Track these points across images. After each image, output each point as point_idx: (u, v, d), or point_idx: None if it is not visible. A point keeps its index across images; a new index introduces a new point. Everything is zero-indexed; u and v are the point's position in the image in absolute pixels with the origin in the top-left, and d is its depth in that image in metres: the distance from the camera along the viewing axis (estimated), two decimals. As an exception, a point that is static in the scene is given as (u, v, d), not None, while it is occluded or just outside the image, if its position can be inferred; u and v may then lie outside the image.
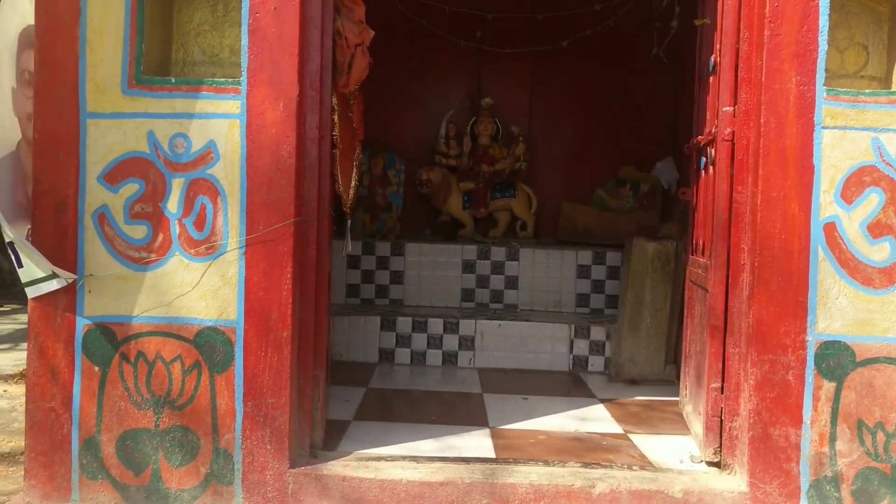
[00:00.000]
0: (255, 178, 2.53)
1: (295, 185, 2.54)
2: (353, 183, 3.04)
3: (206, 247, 2.54)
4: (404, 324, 4.41)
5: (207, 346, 2.53)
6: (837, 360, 2.51)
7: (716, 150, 2.79)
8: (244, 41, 2.53)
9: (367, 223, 5.34)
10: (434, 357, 4.39)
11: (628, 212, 5.44)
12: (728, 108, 2.71)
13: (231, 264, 2.54)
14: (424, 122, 5.61)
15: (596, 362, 4.39)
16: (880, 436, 2.51)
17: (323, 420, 2.78)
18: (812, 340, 2.51)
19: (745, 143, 2.63)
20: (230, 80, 2.55)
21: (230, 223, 2.54)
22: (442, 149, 5.32)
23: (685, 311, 3.47)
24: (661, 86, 5.54)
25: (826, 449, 2.52)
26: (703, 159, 3.10)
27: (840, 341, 2.52)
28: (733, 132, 2.69)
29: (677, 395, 3.85)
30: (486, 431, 3.13)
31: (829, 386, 2.52)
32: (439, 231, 5.34)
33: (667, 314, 4.23)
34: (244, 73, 2.53)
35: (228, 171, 2.54)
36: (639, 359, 4.22)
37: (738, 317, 2.63)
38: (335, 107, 2.81)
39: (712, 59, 2.97)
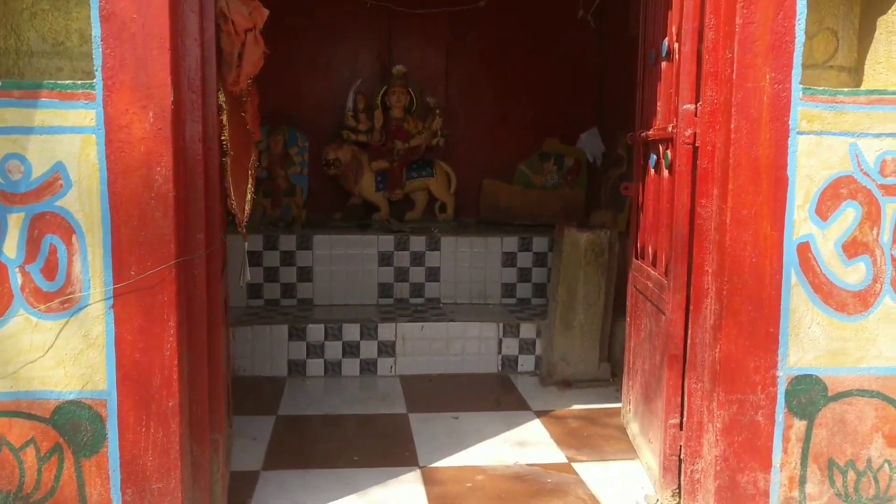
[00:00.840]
0: (120, 209, 1.98)
1: (175, 216, 2.00)
2: (248, 196, 2.51)
3: (60, 300, 1.98)
4: (316, 332, 3.94)
5: (70, 424, 2.00)
6: (809, 395, 2.26)
7: (674, 153, 2.44)
8: (95, 31, 1.93)
9: (267, 209, 4.77)
10: (351, 366, 3.96)
11: (553, 188, 5.10)
12: (689, 105, 2.34)
13: (96, 321, 1.99)
14: (330, 93, 5.03)
15: (526, 362, 4.08)
16: (851, 475, 2.30)
17: (224, 491, 2.32)
18: (783, 376, 2.25)
19: (709, 150, 2.29)
20: (81, 82, 1.96)
21: (91, 269, 1.98)
22: (350, 123, 4.78)
23: (628, 319, 3.17)
24: (586, 50, 5.17)
25: (796, 493, 2.29)
26: (654, 157, 2.75)
27: (812, 375, 2.26)
28: (695, 134, 2.33)
29: (615, 399, 3.62)
30: (417, 474, 2.75)
31: (799, 424, 2.27)
32: (351, 215, 4.84)
33: (601, 309, 3.95)
34: (98, 74, 1.94)
35: (85, 202, 1.97)
36: (572, 358, 3.94)
37: (702, 348, 2.33)
38: (223, 106, 2.26)
39: (665, 42, 2.60)
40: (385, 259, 4.42)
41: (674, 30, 2.49)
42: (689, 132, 2.34)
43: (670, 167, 2.51)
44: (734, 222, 2.18)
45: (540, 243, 4.51)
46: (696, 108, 2.33)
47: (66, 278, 1.98)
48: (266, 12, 2.32)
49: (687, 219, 2.38)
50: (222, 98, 2.24)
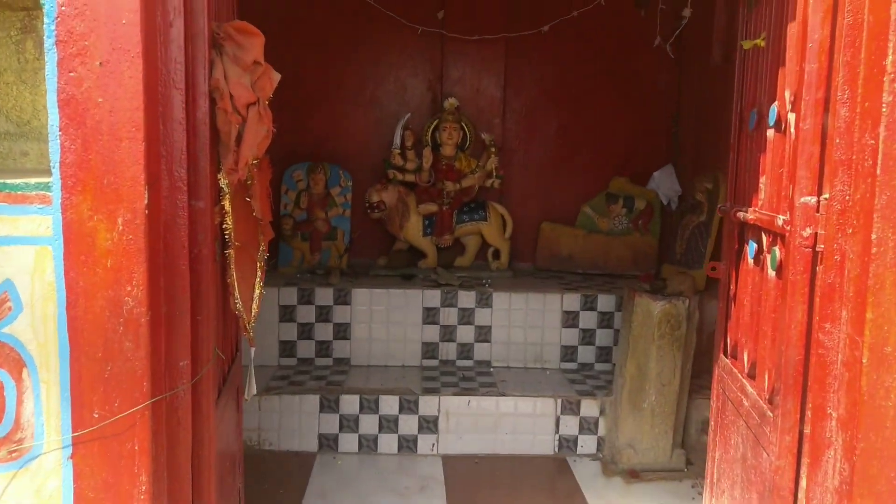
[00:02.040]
0: (82, 338, 1.59)
1: (149, 345, 1.60)
2: (257, 291, 2.09)
3: (7, 449, 1.60)
4: (350, 403, 3.52)
5: None
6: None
7: (785, 254, 1.91)
8: (53, 119, 1.54)
9: (306, 255, 4.39)
10: (388, 443, 3.53)
11: (621, 234, 4.56)
12: (809, 198, 1.81)
13: (51, 474, 1.61)
14: (376, 128, 4.62)
15: (587, 443, 3.58)
16: None
17: None
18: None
19: (838, 260, 1.75)
20: (35, 182, 1.57)
21: (46, 411, 1.60)
22: (397, 161, 4.35)
23: (712, 424, 2.63)
24: (661, 81, 4.62)
25: None
26: (754, 245, 2.21)
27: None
28: (816, 235, 1.80)
29: (690, 499, 3.10)
30: None
31: None
32: (395, 261, 4.41)
33: (675, 390, 3.41)
34: (56, 172, 1.55)
35: (38, 330, 1.59)
36: (641, 445, 3.42)
37: (820, 512, 1.80)
38: (224, 189, 1.85)
39: (775, 108, 2.06)
40: (430, 316, 3.97)
41: (788, 95, 1.95)
42: (807, 232, 1.81)
43: (778, 269, 1.98)
44: (875, 363, 1.64)
45: (606, 302, 3.99)
46: (819, 202, 1.80)
47: (14, 422, 1.60)
48: (277, 77, 1.89)
49: (802, 342, 1.85)
50: (224, 181, 1.83)
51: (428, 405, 3.54)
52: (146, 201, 1.56)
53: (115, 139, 1.54)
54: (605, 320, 4.00)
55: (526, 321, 4.00)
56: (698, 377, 3.53)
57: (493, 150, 4.36)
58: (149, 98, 1.56)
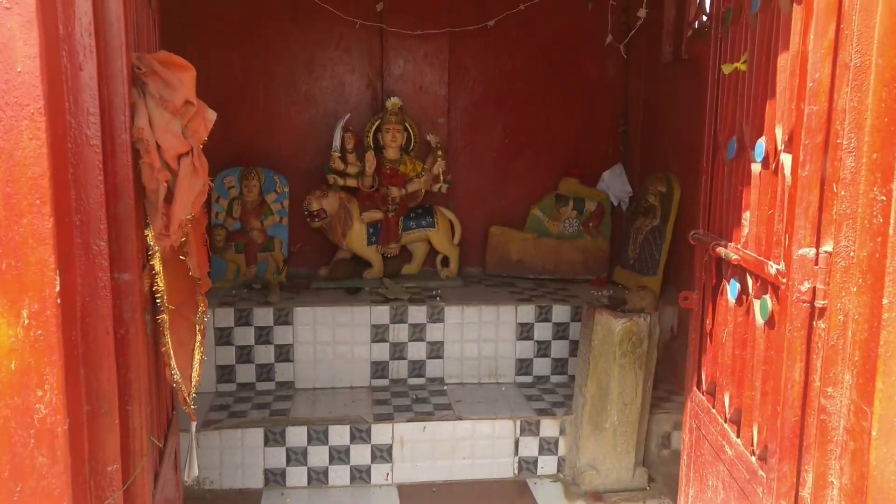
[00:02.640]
0: (-18, 455, 1.30)
1: (68, 458, 1.33)
2: (197, 357, 1.83)
3: None
4: (297, 435, 3.28)
5: None
6: None
7: (780, 308, 1.78)
8: (-69, 191, 1.24)
9: (241, 267, 4.08)
10: (339, 475, 3.31)
11: (572, 237, 4.43)
12: (808, 250, 1.67)
13: None
14: (312, 128, 4.31)
15: (547, 464, 3.45)
16: None
17: None
18: None
19: (841, 320, 1.62)
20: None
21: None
22: (337, 166, 4.06)
23: (685, 458, 2.53)
24: (608, 77, 4.48)
25: None
26: (736, 285, 2.08)
27: None
28: (814, 290, 1.67)
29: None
30: None
31: None
32: (338, 271, 4.14)
33: (637, 408, 3.31)
34: (-62, 256, 1.25)
35: (-75, 448, 1.29)
36: (603, 465, 3.31)
37: (819, 582, 1.69)
38: (154, 252, 1.57)
39: (762, 143, 1.91)
40: (379, 333, 3.75)
41: (780, 134, 1.80)
42: (806, 286, 1.68)
43: (770, 320, 1.84)
44: (885, 436, 1.52)
45: (561, 313, 3.85)
46: (818, 254, 1.67)
47: None
48: (213, 117, 1.62)
49: (800, 402, 1.72)
50: (153, 241, 1.56)
51: (381, 433, 3.33)
52: (58, 288, 1.28)
53: (14, 215, 1.25)
54: (561, 331, 3.87)
55: (479, 335, 3.83)
56: (654, 388, 3.45)
57: (439, 153, 4.12)
58: (56, 161, 1.28)
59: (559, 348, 3.89)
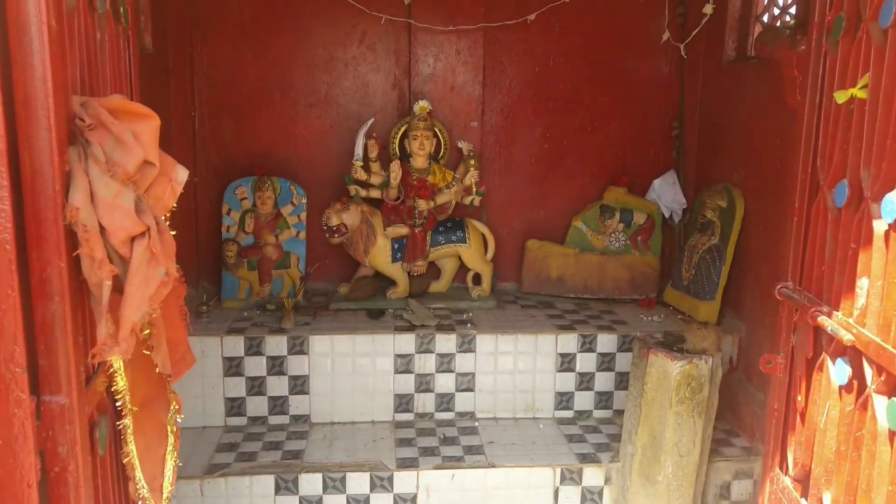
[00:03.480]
0: None
1: None
2: (169, 464, 1.48)
3: None
4: (311, 483, 2.96)
5: None
6: None
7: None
8: None
9: (254, 286, 3.75)
10: (359, 530, 2.99)
11: (618, 252, 4.01)
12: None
13: None
14: (332, 133, 3.94)
15: (591, 517, 3.09)
16: None
17: None
18: None
19: None
20: None
21: None
22: (359, 176, 3.69)
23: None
24: (661, 75, 4.02)
25: None
26: (847, 369, 1.66)
27: None
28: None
29: None
30: None
31: None
32: (359, 290, 3.78)
33: (695, 459, 2.92)
34: None
35: None
36: (655, 524, 2.94)
37: None
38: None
39: (893, 200, 1.48)
40: (404, 364, 3.39)
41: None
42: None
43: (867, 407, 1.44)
44: None
45: (607, 342, 3.46)
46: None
47: None
48: (183, 177, 1.25)
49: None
50: (97, 350, 1.20)
51: (404, 482, 2.99)
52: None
53: None
54: (606, 362, 3.47)
55: (515, 366, 3.45)
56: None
57: (472, 161, 3.72)
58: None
59: (604, 380, 3.49)
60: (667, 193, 4.00)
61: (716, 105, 3.81)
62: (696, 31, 3.06)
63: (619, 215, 3.99)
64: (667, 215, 4.02)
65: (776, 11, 3.46)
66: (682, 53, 3.24)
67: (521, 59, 3.94)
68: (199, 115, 3.85)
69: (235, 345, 3.30)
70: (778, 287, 1.99)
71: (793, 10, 3.29)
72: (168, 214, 1.24)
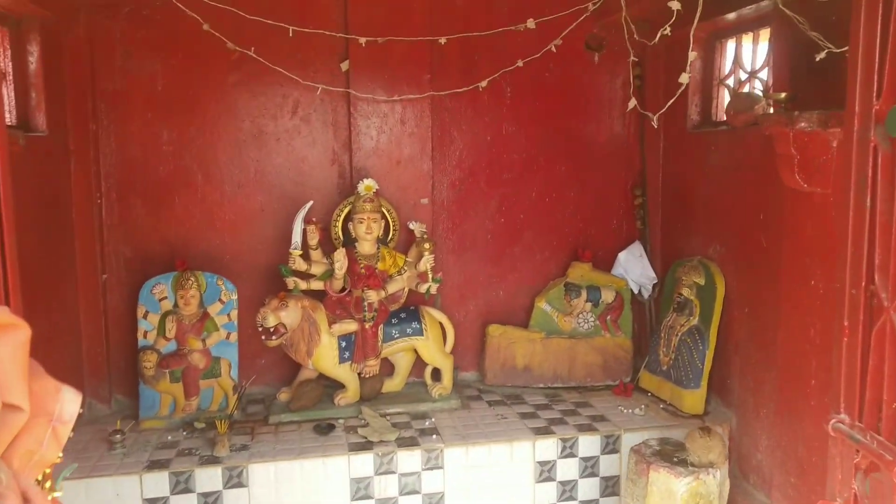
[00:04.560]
0: None
1: None
2: None
3: None
4: None
5: None
6: None
7: None
8: None
9: (179, 400, 3.20)
10: None
11: (588, 335, 3.66)
12: None
13: None
14: (263, 217, 3.48)
15: None
16: None
17: None
18: None
19: None
20: None
21: None
22: (298, 266, 3.22)
23: None
24: (620, 141, 3.76)
25: None
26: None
27: None
28: None
29: None
30: None
31: None
32: (303, 396, 3.27)
33: (708, 589, 2.55)
34: None
35: None
36: None
37: None
38: None
39: None
40: (361, 489, 2.91)
41: None
42: None
43: None
44: None
45: (589, 444, 3.08)
46: None
47: None
48: (72, 410, 0.78)
49: None
50: None
51: None
52: None
53: None
54: (589, 468, 3.09)
55: (489, 480, 3.02)
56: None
57: (426, 245, 3.31)
58: None
59: (588, 488, 3.10)
60: (634, 268, 3.70)
61: (680, 172, 3.57)
62: (673, 100, 2.79)
63: (585, 293, 3.66)
64: (636, 291, 3.72)
65: (742, 76, 3.25)
66: (654, 123, 2.97)
67: (472, 127, 3.60)
68: (107, 200, 3.32)
69: (158, 483, 2.74)
70: (831, 421, 1.65)
71: (763, 75, 3.09)
72: (49, 471, 0.77)
